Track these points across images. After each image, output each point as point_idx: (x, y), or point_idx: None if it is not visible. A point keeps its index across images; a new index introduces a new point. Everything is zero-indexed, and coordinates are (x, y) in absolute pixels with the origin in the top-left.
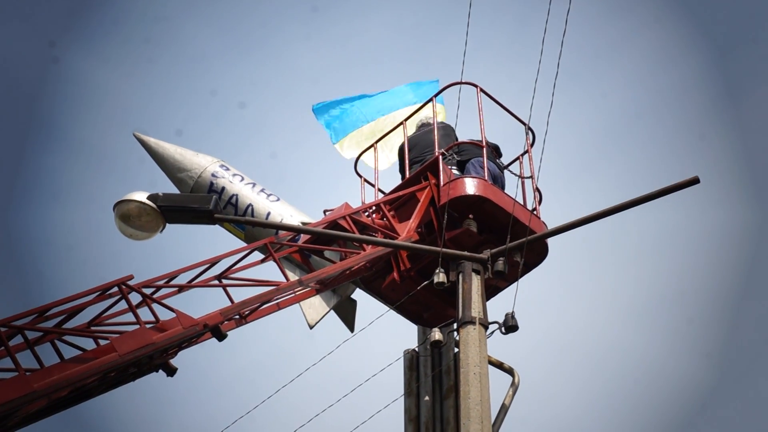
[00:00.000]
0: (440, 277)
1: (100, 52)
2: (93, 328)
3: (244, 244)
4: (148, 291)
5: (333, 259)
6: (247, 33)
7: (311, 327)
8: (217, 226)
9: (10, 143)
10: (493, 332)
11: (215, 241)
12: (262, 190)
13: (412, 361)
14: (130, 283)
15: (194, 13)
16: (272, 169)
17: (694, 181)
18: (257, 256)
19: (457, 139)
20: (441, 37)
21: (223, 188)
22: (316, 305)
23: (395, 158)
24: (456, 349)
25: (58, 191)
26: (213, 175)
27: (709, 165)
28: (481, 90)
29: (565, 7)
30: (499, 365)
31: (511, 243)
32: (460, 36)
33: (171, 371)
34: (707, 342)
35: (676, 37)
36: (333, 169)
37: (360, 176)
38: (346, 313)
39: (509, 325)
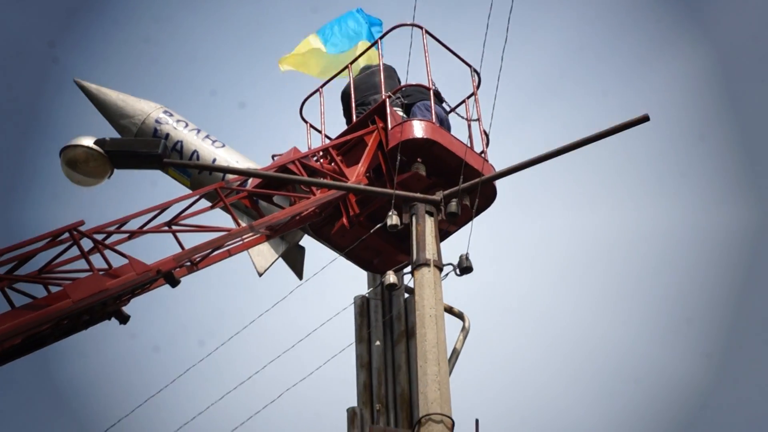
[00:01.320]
0: (393, 219)
1: (100, 52)
2: (44, 275)
3: (191, 192)
4: (99, 237)
5: (282, 205)
6: (247, 33)
7: (260, 274)
8: (161, 173)
9: (10, 143)
10: (447, 274)
11: (156, 190)
12: (207, 136)
13: (362, 307)
14: (81, 228)
15: (194, 13)
16: None
17: (644, 119)
18: (205, 204)
19: (399, 81)
20: None
21: (168, 134)
22: (265, 252)
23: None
24: (407, 295)
25: (58, 191)
26: (157, 121)
27: (709, 165)
28: (426, 32)
29: None
30: (449, 310)
31: (464, 183)
32: None
33: (124, 319)
34: (707, 342)
35: (675, 35)
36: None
37: (306, 122)
38: (295, 260)
39: (464, 267)
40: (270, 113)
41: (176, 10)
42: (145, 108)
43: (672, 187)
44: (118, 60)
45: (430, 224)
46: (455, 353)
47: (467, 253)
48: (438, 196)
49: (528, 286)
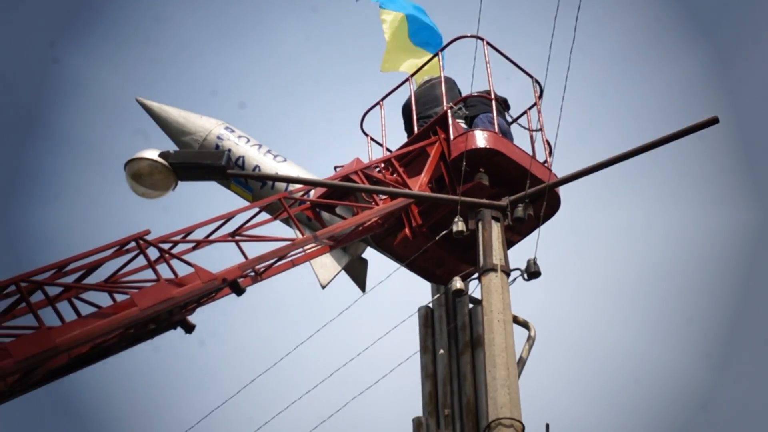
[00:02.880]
0: (459, 225)
1: (100, 52)
2: (111, 283)
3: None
4: (165, 246)
5: (345, 216)
6: (247, 33)
7: (323, 287)
8: (223, 188)
9: (10, 143)
10: (515, 279)
11: (215, 204)
12: (268, 151)
13: (426, 317)
14: (147, 238)
15: (194, 13)
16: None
17: (713, 120)
18: (266, 217)
19: (460, 93)
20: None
21: (229, 150)
22: (328, 265)
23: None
24: (471, 305)
25: (58, 191)
26: (218, 137)
27: (709, 165)
28: (488, 43)
29: None
30: (514, 319)
31: (530, 189)
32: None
33: (189, 328)
34: (707, 342)
35: (676, 36)
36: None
37: (366, 135)
38: (357, 272)
39: (531, 272)
40: (270, 113)
41: (176, 10)
42: (206, 125)
43: (672, 188)
44: (118, 60)
45: (496, 230)
46: (521, 362)
47: (535, 258)
48: (504, 201)
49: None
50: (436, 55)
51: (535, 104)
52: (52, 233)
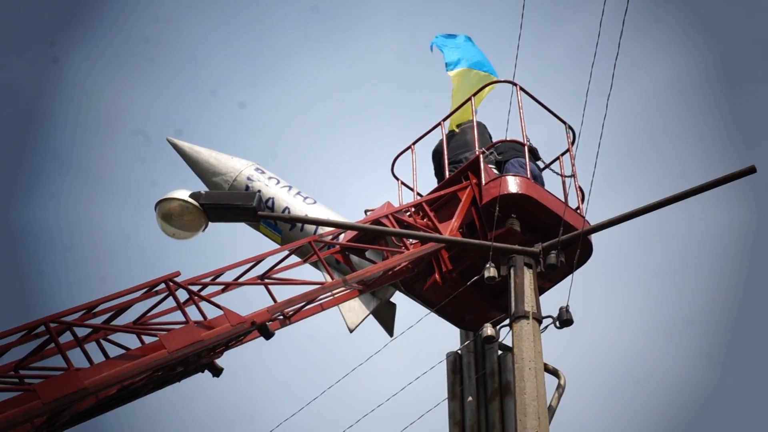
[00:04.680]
0: (491, 271)
1: (100, 52)
2: (140, 325)
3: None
4: (194, 288)
5: (375, 260)
6: (247, 33)
7: (351, 331)
8: (252, 229)
9: (10, 143)
10: (546, 327)
11: (240, 245)
12: (298, 193)
13: (455, 363)
14: (177, 279)
15: (194, 14)
16: (272, 169)
17: (751, 170)
18: (295, 260)
19: (491, 137)
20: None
21: (259, 191)
22: (356, 309)
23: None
24: (500, 352)
25: (59, 191)
26: (248, 178)
27: (709, 165)
28: (521, 89)
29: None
30: (544, 367)
31: (563, 236)
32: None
33: (217, 371)
34: (707, 342)
35: (675, 35)
36: (333, 169)
37: (397, 179)
38: (386, 317)
39: (564, 319)
40: (270, 113)
41: (176, 10)
42: (237, 165)
43: (672, 188)
44: (118, 60)
45: (528, 276)
46: (551, 410)
47: (567, 306)
48: (537, 248)
49: None
50: (469, 100)
51: (567, 150)
52: (52, 233)
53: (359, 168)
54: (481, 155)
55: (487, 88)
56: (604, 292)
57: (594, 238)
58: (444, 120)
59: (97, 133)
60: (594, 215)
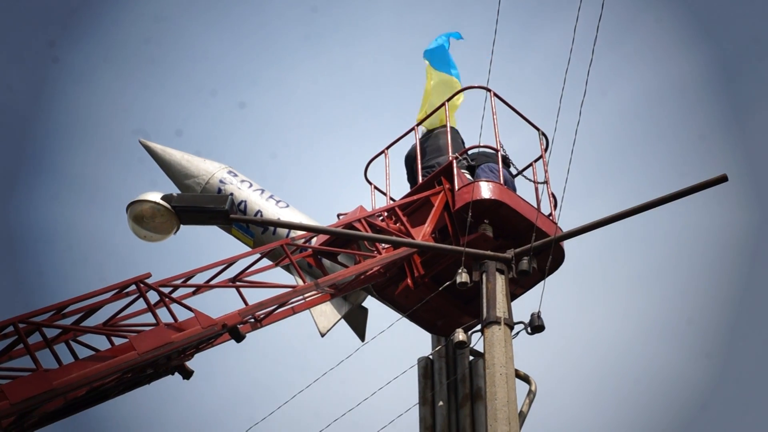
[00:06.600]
0: (463, 276)
1: (100, 52)
2: (110, 326)
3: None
4: (165, 290)
5: (347, 264)
6: (247, 33)
7: (323, 335)
8: (224, 232)
9: (10, 143)
10: (518, 333)
11: (212, 248)
12: (270, 197)
13: (426, 368)
14: (148, 281)
15: (194, 13)
16: (272, 169)
17: (722, 179)
18: (267, 263)
19: (463, 143)
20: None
21: (231, 194)
22: (328, 313)
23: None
24: (471, 357)
25: (59, 191)
26: (221, 181)
27: (709, 165)
28: (495, 95)
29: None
30: (515, 373)
31: (536, 242)
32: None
33: (187, 374)
34: (707, 342)
35: (675, 35)
36: (333, 169)
37: (370, 183)
38: (357, 321)
39: (535, 325)
40: (270, 113)
41: (176, 10)
42: (209, 168)
43: (672, 188)
44: (118, 60)
45: (500, 282)
46: (522, 416)
47: (539, 312)
48: (509, 254)
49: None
50: (443, 105)
51: (540, 156)
52: (52, 233)
53: (359, 168)
54: (454, 160)
55: (459, 96)
56: (585, 296)
57: (581, 243)
58: (417, 125)
59: (97, 132)
60: (573, 221)
